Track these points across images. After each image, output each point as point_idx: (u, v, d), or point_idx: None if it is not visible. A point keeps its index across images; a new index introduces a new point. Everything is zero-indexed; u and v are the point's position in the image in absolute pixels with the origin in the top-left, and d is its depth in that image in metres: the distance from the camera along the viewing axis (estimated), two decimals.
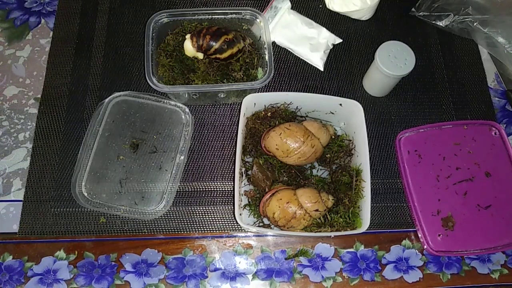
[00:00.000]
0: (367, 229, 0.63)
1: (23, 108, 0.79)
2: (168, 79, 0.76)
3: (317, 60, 0.84)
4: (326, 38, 0.86)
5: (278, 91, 0.83)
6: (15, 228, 0.71)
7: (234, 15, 0.79)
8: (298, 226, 0.65)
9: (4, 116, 0.79)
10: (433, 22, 0.90)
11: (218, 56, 0.74)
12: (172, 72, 0.76)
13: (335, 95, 0.73)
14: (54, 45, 0.84)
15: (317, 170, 0.74)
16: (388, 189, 0.77)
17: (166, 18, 0.78)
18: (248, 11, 0.79)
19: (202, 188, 0.75)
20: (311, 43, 0.85)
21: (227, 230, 0.73)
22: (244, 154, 0.73)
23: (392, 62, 0.74)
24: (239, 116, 0.71)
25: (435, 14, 0.90)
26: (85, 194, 0.71)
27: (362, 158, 0.69)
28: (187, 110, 0.78)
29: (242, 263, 0.71)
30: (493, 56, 0.89)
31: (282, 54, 0.86)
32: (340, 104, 0.72)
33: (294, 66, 0.86)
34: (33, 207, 0.72)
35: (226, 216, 0.74)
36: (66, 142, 0.76)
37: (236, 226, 0.73)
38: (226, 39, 0.73)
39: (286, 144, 0.68)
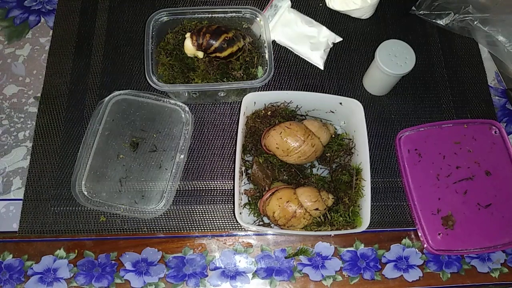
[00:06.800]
0: (367, 228, 0.63)
1: (23, 107, 0.79)
2: (168, 78, 0.76)
3: (317, 59, 0.84)
4: (326, 37, 0.85)
5: (278, 90, 0.83)
6: (15, 227, 0.71)
7: (234, 14, 0.79)
8: (298, 225, 0.65)
9: (4, 115, 0.79)
10: (433, 20, 0.90)
11: (218, 54, 0.74)
12: (172, 71, 0.76)
13: (335, 94, 0.73)
14: (53, 43, 0.84)
15: (317, 169, 0.74)
16: (388, 188, 0.77)
17: (166, 17, 0.78)
18: (248, 10, 0.79)
19: (202, 187, 0.75)
20: (311, 42, 0.85)
21: (227, 229, 0.73)
22: (244, 153, 0.73)
23: (392, 61, 0.74)
24: (239, 115, 0.70)
25: (435, 12, 0.89)
26: (85, 193, 0.71)
27: (362, 157, 0.69)
28: (187, 109, 0.78)
29: (242, 262, 0.71)
30: (494, 55, 0.89)
31: (282, 53, 0.86)
32: (340, 103, 0.72)
33: (294, 65, 0.85)
34: (33, 206, 0.72)
35: (226, 215, 0.74)
36: (66, 141, 0.76)
37: (236, 225, 0.73)
38: (226, 38, 0.73)
39: (287, 143, 0.68)
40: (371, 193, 0.66)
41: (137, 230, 0.71)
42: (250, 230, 0.73)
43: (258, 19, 0.79)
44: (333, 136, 0.74)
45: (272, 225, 0.69)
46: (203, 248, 0.72)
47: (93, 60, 0.83)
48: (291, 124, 0.69)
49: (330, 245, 0.73)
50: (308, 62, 0.86)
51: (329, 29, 0.86)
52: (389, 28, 0.90)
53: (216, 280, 0.69)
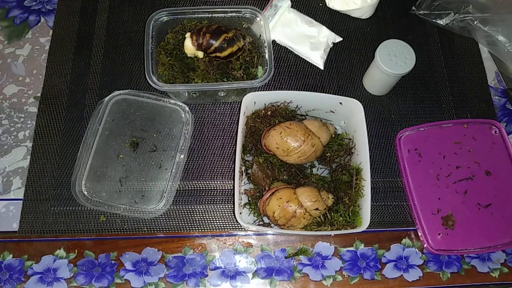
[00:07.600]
0: (367, 228, 0.63)
1: (23, 106, 0.79)
2: (168, 78, 0.76)
3: (317, 59, 0.84)
4: (326, 37, 0.85)
5: (278, 89, 0.83)
6: (15, 226, 0.71)
7: (234, 14, 0.79)
8: (298, 225, 0.65)
9: (4, 115, 0.79)
10: (433, 20, 0.90)
11: (218, 54, 0.74)
12: (172, 71, 0.76)
13: (335, 94, 0.73)
14: (53, 43, 0.84)
15: (317, 169, 0.74)
16: (388, 187, 0.77)
17: (166, 17, 0.78)
18: (248, 10, 0.79)
19: (202, 187, 0.75)
20: (311, 42, 0.85)
21: (227, 228, 0.73)
22: (244, 153, 0.73)
23: (392, 61, 0.74)
24: (239, 115, 0.70)
25: (436, 12, 0.89)
26: (85, 193, 0.71)
27: (362, 156, 0.69)
28: (187, 108, 0.78)
29: (242, 262, 0.71)
30: (494, 55, 0.89)
31: (282, 53, 0.86)
32: (340, 103, 0.72)
33: (294, 65, 0.85)
34: (33, 206, 0.72)
35: (226, 214, 0.74)
36: (66, 140, 0.76)
37: (236, 225, 0.73)
38: (226, 38, 0.73)
39: (287, 143, 0.68)
40: (371, 193, 0.66)
41: (137, 230, 0.71)
42: (250, 230, 0.73)
43: (258, 19, 0.79)
44: (333, 136, 0.74)
45: (272, 225, 0.69)
46: (203, 248, 0.72)
47: (93, 60, 0.83)
48: (291, 124, 0.69)
49: (330, 245, 0.73)
50: (308, 62, 0.86)
51: (329, 29, 0.86)
52: (389, 28, 0.90)
53: (216, 280, 0.70)
